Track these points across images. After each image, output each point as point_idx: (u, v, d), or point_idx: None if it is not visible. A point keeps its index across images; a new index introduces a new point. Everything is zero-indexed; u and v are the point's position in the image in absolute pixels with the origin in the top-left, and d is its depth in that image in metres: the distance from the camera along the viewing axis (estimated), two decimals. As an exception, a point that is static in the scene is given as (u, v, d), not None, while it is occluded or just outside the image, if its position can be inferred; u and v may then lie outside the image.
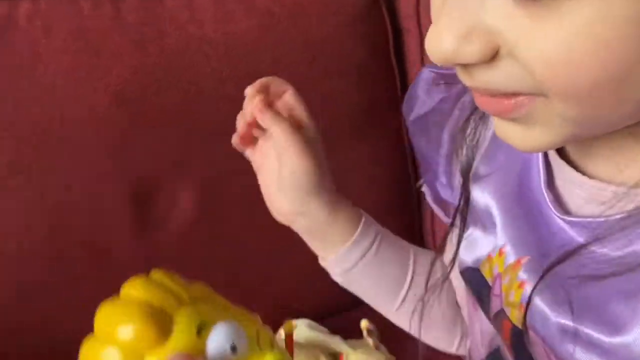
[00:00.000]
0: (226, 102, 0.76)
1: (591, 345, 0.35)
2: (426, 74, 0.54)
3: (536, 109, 0.32)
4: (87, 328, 0.35)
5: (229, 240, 0.80)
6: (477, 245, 0.45)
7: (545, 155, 0.41)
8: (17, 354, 0.74)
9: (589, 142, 0.37)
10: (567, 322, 0.36)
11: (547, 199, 0.40)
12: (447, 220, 0.53)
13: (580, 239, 0.37)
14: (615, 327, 0.34)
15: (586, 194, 0.38)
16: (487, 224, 0.44)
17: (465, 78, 0.33)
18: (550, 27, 0.28)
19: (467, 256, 0.46)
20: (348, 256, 0.54)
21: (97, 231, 0.75)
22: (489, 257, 0.43)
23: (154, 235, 0.77)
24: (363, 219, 0.55)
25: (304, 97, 0.55)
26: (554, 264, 0.37)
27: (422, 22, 0.82)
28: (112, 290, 0.36)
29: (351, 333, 0.77)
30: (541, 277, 0.38)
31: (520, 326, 0.39)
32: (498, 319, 0.43)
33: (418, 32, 0.83)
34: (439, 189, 0.54)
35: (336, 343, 0.75)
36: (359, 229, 0.54)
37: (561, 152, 0.40)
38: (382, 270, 0.56)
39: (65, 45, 0.73)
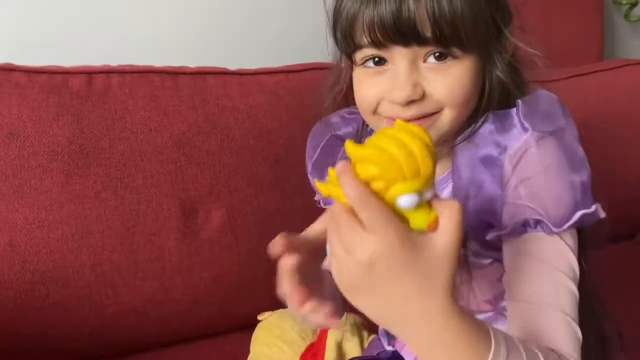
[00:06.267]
0: (247, 150, 1.13)
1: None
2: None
3: (436, 119, 0.71)
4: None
5: (243, 244, 1.14)
6: None
7: None
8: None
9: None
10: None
11: None
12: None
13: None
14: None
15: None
16: None
17: (403, 112, 0.70)
18: (446, 75, 0.69)
19: None
20: None
21: (157, 231, 1.07)
22: None
23: (194, 237, 1.10)
24: None
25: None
26: None
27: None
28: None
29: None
30: None
31: None
32: None
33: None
34: None
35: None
36: None
37: None
38: None
39: (144, 105, 1.08)
